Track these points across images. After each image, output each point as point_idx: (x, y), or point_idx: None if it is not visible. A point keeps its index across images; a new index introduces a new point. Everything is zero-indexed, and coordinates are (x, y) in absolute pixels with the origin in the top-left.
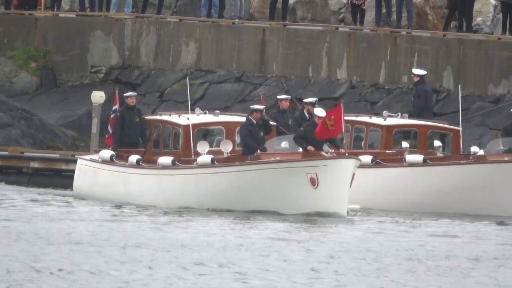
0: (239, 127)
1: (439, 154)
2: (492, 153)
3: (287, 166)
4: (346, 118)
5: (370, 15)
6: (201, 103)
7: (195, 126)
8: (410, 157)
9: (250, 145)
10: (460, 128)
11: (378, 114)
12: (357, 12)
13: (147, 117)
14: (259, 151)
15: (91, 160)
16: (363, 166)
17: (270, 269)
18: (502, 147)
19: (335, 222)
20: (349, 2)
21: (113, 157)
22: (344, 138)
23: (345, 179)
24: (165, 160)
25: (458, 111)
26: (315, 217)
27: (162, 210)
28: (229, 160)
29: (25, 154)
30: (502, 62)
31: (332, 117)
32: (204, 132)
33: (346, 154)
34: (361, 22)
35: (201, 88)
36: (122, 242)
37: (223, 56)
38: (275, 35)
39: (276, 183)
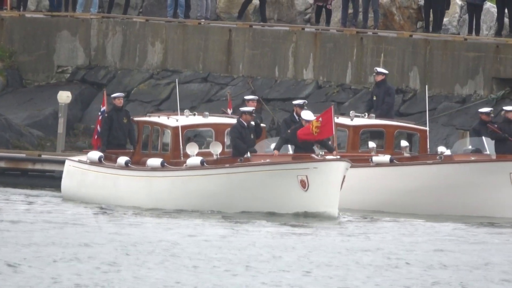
0: (228, 129)
1: (406, 154)
2: (459, 153)
3: (278, 169)
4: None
5: (336, 16)
6: (168, 103)
7: (184, 127)
8: (377, 158)
9: (240, 147)
10: (427, 128)
11: (344, 114)
12: (321, 12)
13: (136, 118)
14: (249, 153)
15: (80, 162)
16: None
17: (259, 271)
18: (469, 147)
19: (326, 224)
20: (314, 2)
21: (102, 159)
22: (334, 140)
23: (335, 181)
24: (154, 161)
25: (425, 111)
26: (305, 219)
27: (151, 212)
28: (219, 162)
29: None
30: (469, 63)
31: (320, 119)
32: (193, 134)
33: (337, 156)
34: (328, 23)
35: (167, 88)
36: (109, 243)
37: (189, 56)
38: (241, 36)
39: (267, 185)
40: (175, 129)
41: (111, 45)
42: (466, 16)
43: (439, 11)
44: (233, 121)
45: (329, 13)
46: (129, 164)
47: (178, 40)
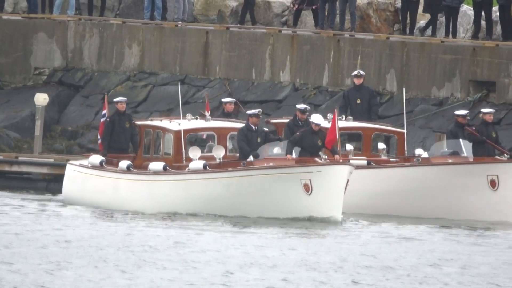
0: (230, 133)
1: (384, 157)
2: (436, 155)
3: (281, 172)
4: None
5: (312, 19)
6: (145, 105)
7: (186, 131)
8: (354, 160)
9: (244, 149)
10: (405, 131)
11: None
12: (299, 15)
13: (138, 122)
14: (251, 156)
15: (81, 166)
16: None
17: (261, 275)
18: (446, 150)
19: (329, 228)
20: (293, 6)
21: (103, 163)
22: (338, 144)
23: (339, 185)
24: (156, 165)
25: (402, 113)
26: (309, 223)
27: (152, 217)
28: (222, 166)
29: None
30: (446, 65)
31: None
32: (195, 138)
33: (340, 160)
34: (317, 24)
35: (144, 90)
36: (111, 248)
37: (166, 58)
38: (218, 38)
39: (270, 189)
40: (177, 133)
41: (88, 47)
42: (443, 19)
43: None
44: (235, 125)
45: (316, 13)
46: (131, 168)
47: (155, 42)
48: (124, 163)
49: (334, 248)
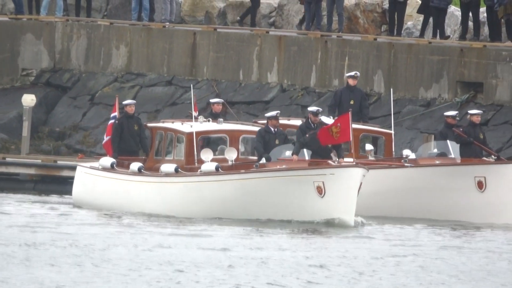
0: (242, 136)
1: (371, 158)
2: (423, 156)
3: (294, 175)
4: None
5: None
6: None
7: (198, 133)
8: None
9: (258, 150)
10: (392, 132)
11: None
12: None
13: (149, 124)
14: (264, 159)
15: (91, 168)
16: None
17: (273, 279)
18: (434, 151)
19: (342, 231)
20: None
21: (114, 165)
22: (352, 146)
23: (352, 188)
24: (168, 167)
25: (389, 114)
26: (321, 226)
27: (164, 219)
28: (234, 168)
29: None
30: (433, 66)
31: (339, 124)
32: (207, 140)
33: (354, 163)
34: (319, 24)
35: (131, 91)
36: (122, 251)
37: (153, 59)
38: (206, 39)
39: (282, 191)
40: (189, 135)
41: (76, 48)
42: (431, 20)
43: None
44: (248, 127)
45: (341, 17)
46: (142, 170)
47: (143, 43)
48: (135, 165)
49: (346, 250)
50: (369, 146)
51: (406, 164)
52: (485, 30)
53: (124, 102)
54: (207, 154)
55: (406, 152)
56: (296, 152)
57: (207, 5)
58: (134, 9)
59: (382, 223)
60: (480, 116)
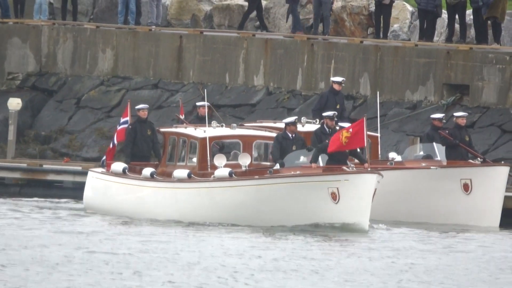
0: (256, 141)
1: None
2: (409, 159)
3: (308, 181)
4: (264, 124)
5: (288, 22)
6: (118, 109)
7: (212, 139)
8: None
9: (274, 155)
10: (378, 134)
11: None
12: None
13: (162, 129)
14: (278, 164)
15: (103, 173)
16: None
17: (286, 284)
18: (420, 153)
19: (357, 237)
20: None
21: (126, 170)
22: (367, 152)
23: (367, 194)
24: (181, 173)
25: (376, 117)
26: (336, 232)
27: (177, 225)
28: (248, 174)
29: None
30: (419, 69)
31: (350, 130)
32: (220, 146)
33: (368, 169)
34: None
35: (118, 94)
36: (135, 256)
37: (140, 62)
38: (192, 42)
39: (296, 197)
40: (202, 140)
41: (62, 52)
42: (417, 22)
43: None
44: (261, 133)
45: (327, 20)
46: (154, 176)
47: (129, 47)
48: (147, 171)
49: (360, 257)
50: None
51: (386, 166)
52: (472, 32)
53: (137, 107)
54: (220, 160)
55: (392, 154)
56: (314, 160)
57: (193, 8)
58: (120, 13)
59: (397, 227)
60: (466, 119)
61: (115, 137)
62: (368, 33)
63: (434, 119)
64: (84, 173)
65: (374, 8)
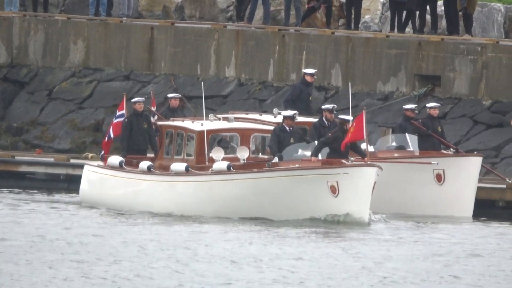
0: (253, 134)
1: None
2: (382, 150)
3: (307, 174)
4: (236, 115)
5: (258, 13)
6: (90, 101)
7: (209, 132)
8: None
9: (271, 149)
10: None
11: (267, 111)
12: (311, 14)
13: (159, 123)
14: (277, 158)
15: (99, 166)
16: None
17: (285, 280)
18: (392, 144)
19: (356, 231)
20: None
21: (123, 163)
22: (367, 145)
23: (366, 187)
24: (179, 166)
25: (347, 108)
26: (335, 226)
27: (174, 218)
28: (246, 167)
29: None
30: (391, 60)
31: (354, 124)
32: (218, 139)
33: (368, 162)
34: (329, 23)
35: (89, 86)
36: (132, 250)
37: (111, 54)
38: (163, 34)
39: (295, 191)
40: (200, 134)
41: (33, 44)
42: (388, 13)
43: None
44: (259, 126)
45: (329, 12)
46: (151, 169)
47: (100, 38)
48: (144, 164)
49: (360, 251)
50: None
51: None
52: (443, 23)
53: (133, 100)
54: (218, 153)
55: (364, 146)
56: (315, 153)
57: (164, 0)
58: (91, 4)
59: (397, 221)
60: (438, 109)
61: (111, 131)
62: (340, 24)
63: (407, 109)
64: (56, 165)
65: None
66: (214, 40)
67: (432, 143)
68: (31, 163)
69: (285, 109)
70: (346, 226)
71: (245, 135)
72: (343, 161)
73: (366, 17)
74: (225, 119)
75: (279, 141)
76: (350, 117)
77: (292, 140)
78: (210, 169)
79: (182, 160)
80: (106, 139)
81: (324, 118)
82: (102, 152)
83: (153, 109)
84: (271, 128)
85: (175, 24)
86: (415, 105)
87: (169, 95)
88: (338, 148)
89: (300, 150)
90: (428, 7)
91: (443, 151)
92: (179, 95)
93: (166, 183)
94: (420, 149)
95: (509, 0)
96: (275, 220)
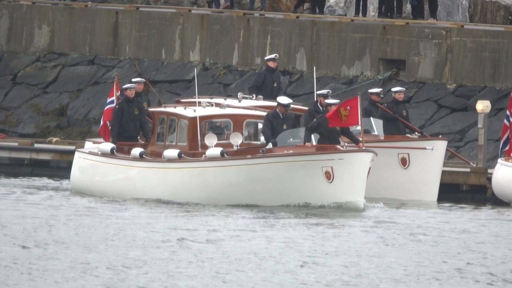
0: (246, 120)
1: None
2: None
3: (302, 160)
4: (199, 100)
5: None
6: (54, 85)
7: (202, 118)
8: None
9: (265, 135)
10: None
11: (232, 96)
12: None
13: (151, 109)
14: (270, 143)
15: (90, 153)
16: None
17: (280, 265)
18: (357, 128)
19: (351, 216)
20: None
21: (114, 150)
22: (361, 130)
23: (361, 172)
24: (171, 152)
25: (312, 92)
26: (330, 212)
27: (167, 205)
28: (240, 153)
29: None
30: (355, 44)
31: (348, 107)
32: (210, 125)
33: (363, 148)
34: (322, 11)
35: (54, 71)
36: (124, 238)
37: (76, 38)
38: (128, 18)
39: (290, 177)
40: (193, 120)
41: None
42: None
43: None
44: (251, 112)
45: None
46: (144, 156)
47: (65, 23)
48: (136, 151)
49: (354, 236)
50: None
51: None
52: (408, 7)
53: (124, 86)
54: (211, 139)
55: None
56: (307, 139)
57: None
58: None
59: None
60: (403, 94)
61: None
62: (304, 8)
63: (372, 93)
64: (20, 149)
65: None
66: (179, 25)
67: (398, 127)
68: None
69: (250, 94)
70: (340, 211)
71: (238, 121)
72: (338, 146)
73: (331, 1)
74: (218, 105)
75: (272, 127)
76: (335, 101)
77: (285, 126)
78: (203, 156)
79: (175, 147)
80: (102, 125)
81: (318, 104)
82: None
83: (117, 93)
84: (264, 114)
85: (140, 9)
86: (381, 89)
87: (133, 80)
88: (324, 132)
89: (291, 139)
90: None
91: (408, 135)
92: (144, 80)
93: (159, 170)
94: (385, 133)
95: None
96: (270, 206)
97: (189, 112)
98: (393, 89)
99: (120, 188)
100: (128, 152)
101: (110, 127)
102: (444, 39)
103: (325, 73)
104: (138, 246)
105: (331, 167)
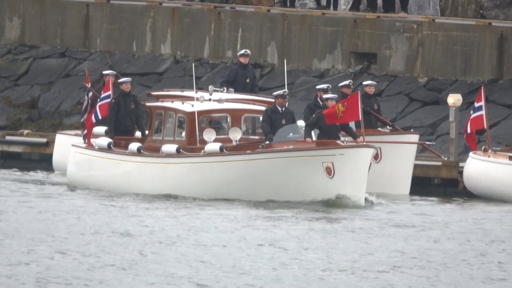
0: (245, 115)
1: None
2: None
3: (302, 155)
4: (171, 93)
5: None
6: (25, 78)
7: (200, 113)
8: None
9: (264, 130)
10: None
11: (203, 89)
12: None
13: (148, 104)
14: (270, 139)
15: (87, 148)
16: None
17: (279, 264)
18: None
19: (352, 212)
20: None
21: (111, 145)
22: (362, 125)
23: (362, 168)
24: (169, 148)
25: (283, 85)
26: (331, 207)
27: (166, 201)
28: (239, 148)
29: None
30: (327, 37)
31: (345, 103)
32: (209, 120)
33: (364, 143)
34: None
35: (25, 63)
36: (119, 233)
37: (47, 31)
38: (99, 11)
39: (290, 172)
40: (191, 115)
41: None
42: None
43: None
44: (250, 106)
45: None
46: (141, 151)
47: (36, 15)
48: (134, 145)
49: (356, 233)
50: None
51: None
52: (379, 1)
53: (120, 80)
54: (209, 134)
55: (300, 123)
56: (308, 135)
57: None
58: None
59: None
60: (374, 87)
61: (98, 112)
62: (275, 1)
63: (343, 86)
64: None
65: None
66: (150, 17)
67: (369, 120)
68: None
69: (221, 87)
70: (341, 207)
71: (236, 116)
72: (339, 142)
73: None
74: (216, 100)
75: (271, 122)
76: (334, 96)
77: (284, 121)
78: (202, 151)
79: (173, 142)
80: (94, 120)
81: (318, 98)
82: (85, 132)
83: (88, 85)
84: (263, 108)
85: (111, 1)
86: (350, 80)
87: (104, 72)
88: (324, 127)
89: (291, 134)
90: None
91: (379, 128)
92: (114, 72)
93: (157, 165)
94: (357, 126)
95: None
96: (270, 202)
97: (187, 106)
98: (364, 83)
99: (118, 183)
100: (125, 147)
101: (107, 122)
102: (415, 32)
103: (296, 66)
104: (136, 243)
105: (332, 163)
